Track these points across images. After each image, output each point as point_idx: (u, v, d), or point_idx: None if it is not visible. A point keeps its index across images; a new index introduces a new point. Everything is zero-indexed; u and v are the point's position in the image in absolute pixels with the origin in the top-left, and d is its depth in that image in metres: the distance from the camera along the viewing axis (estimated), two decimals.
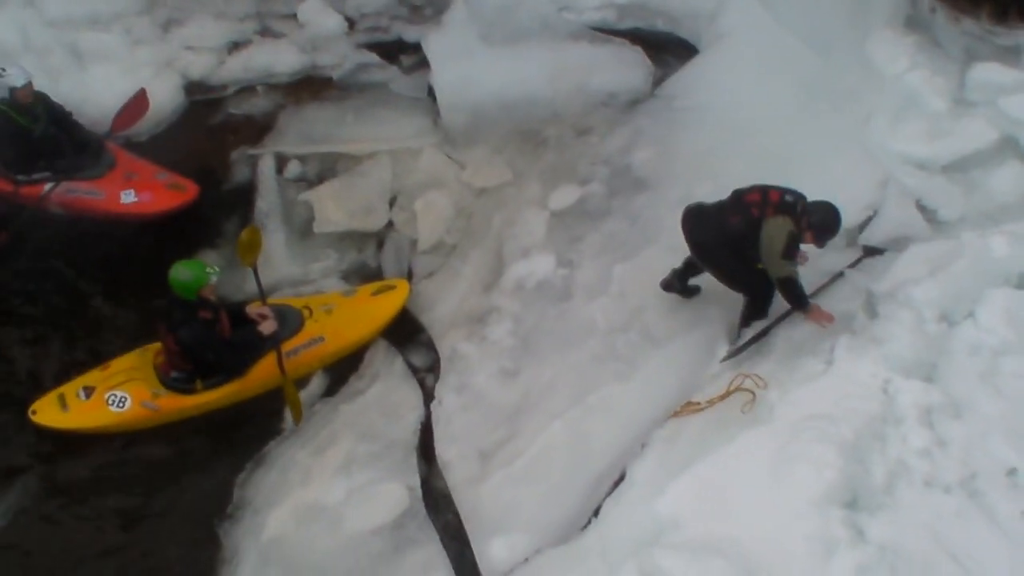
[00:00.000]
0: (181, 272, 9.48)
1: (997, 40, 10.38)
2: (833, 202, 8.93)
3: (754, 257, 9.07)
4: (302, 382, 10.56)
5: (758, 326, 9.61)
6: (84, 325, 11.35)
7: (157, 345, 10.27)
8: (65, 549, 9.49)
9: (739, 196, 9.25)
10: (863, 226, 10.33)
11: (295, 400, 10.15)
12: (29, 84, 11.58)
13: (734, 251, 9.27)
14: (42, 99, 11.90)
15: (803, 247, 9.14)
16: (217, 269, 9.81)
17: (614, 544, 7.75)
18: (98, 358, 10.56)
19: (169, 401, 10.13)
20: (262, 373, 10.32)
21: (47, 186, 11.88)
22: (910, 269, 8.90)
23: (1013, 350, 7.85)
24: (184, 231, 12.09)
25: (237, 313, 10.23)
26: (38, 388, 10.35)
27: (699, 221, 9.49)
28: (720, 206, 9.36)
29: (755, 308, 9.73)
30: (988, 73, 10.43)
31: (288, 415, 10.33)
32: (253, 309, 10.23)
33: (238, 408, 10.39)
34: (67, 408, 9.98)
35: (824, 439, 7.49)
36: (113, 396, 10.00)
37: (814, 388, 8.09)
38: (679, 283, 10.13)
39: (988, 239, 8.79)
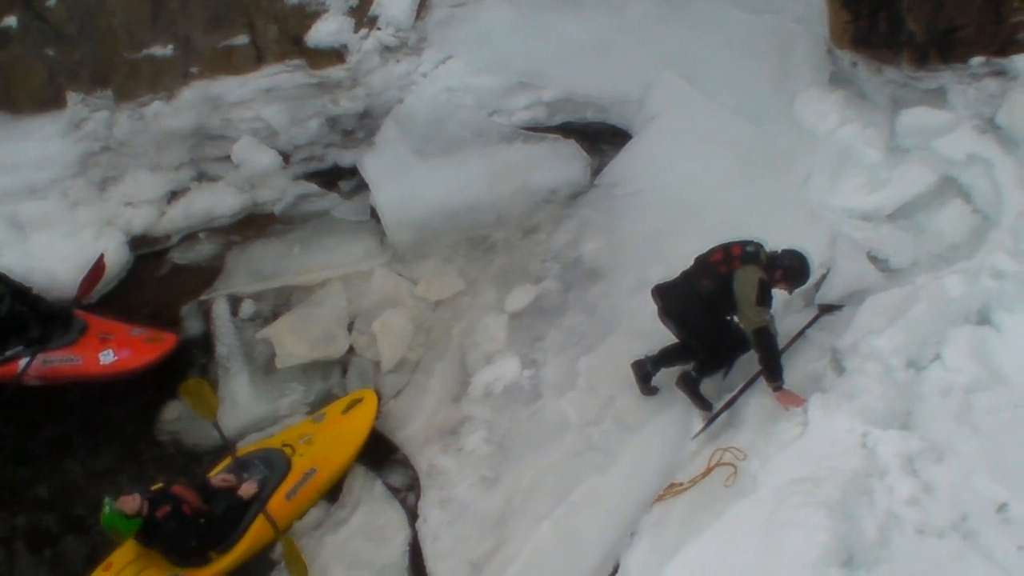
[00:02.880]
0: (110, 527, 9.39)
1: (921, 84, 10.51)
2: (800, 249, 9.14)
3: (728, 313, 9.22)
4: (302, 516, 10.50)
5: (724, 395, 9.65)
6: (61, 519, 11.11)
7: None
8: None
9: (704, 260, 9.45)
10: (818, 285, 10.36)
11: (295, 557, 9.91)
12: None
13: (710, 313, 9.39)
14: (2, 277, 11.89)
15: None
16: (108, 499, 9.42)
17: None
18: (91, 555, 10.30)
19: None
20: (271, 525, 10.10)
21: (22, 362, 11.77)
22: (870, 320, 8.95)
23: (983, 386, 7.86)
24: (146, 387, 12.00)
25: (203, 487, 10.08)
26: None
27: (670, 294, 9.63)
28: (687, 275, 9.53)
29: (713, 362, 9.82)
30: (917, 118, 10.55)
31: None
32: (217, 480, 10.09)
33: None
34: None
35: (811, 502, 7.46)
36: None
37: (793, 452, 8.08)
38: (651, 368, 10.11)
39: (942, 280, 8.85)
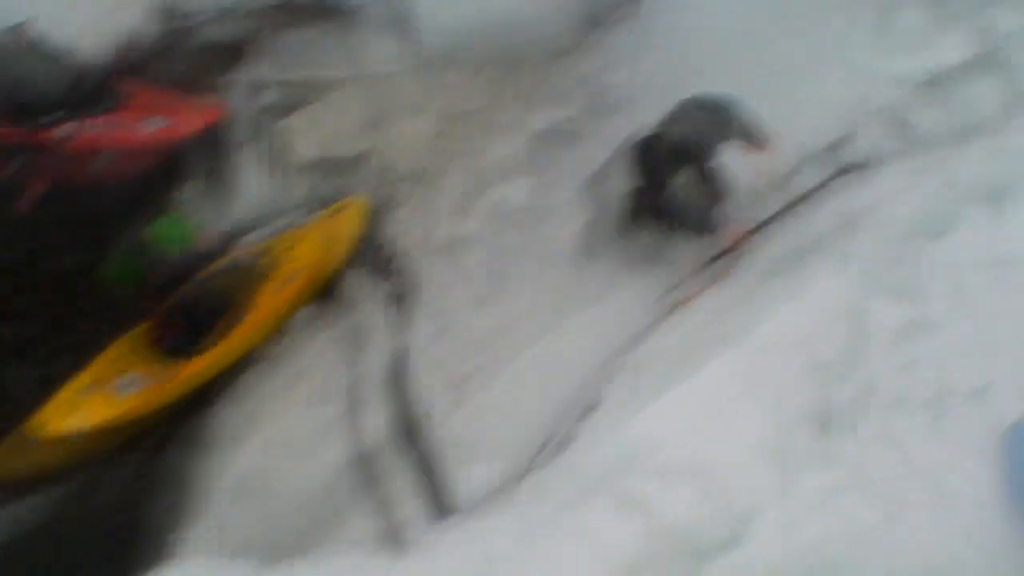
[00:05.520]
0: (168, 227, 9.28)
1: None
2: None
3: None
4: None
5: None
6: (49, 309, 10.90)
7: (138, 329, 9.97)
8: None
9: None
10: (841, 142, 10.22)
11: None
12: (26, 25, 11.22)
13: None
14: (38, 43, 11.44)
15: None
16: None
17: (587, 471, 7.68)
18: (77, 346, 10.12)
19: (179, 369, 9.77)
20: (259, 321, 10.16)
21: (65, 127, 11.27)
22: (885, 186, 8.85)
23: (987, 266, 7.76)
24: (157, 166, 11.70)
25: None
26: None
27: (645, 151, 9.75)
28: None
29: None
30: None
31: None
32: None
33: None
34: (78, 409, 9.42)
35: (795, 360, 7.43)
36: (121, 382, 9.60)
37: (786, 308, 8.02)
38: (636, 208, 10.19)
39: (964, 154, 8.70)
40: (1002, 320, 7.41)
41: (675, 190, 9.08)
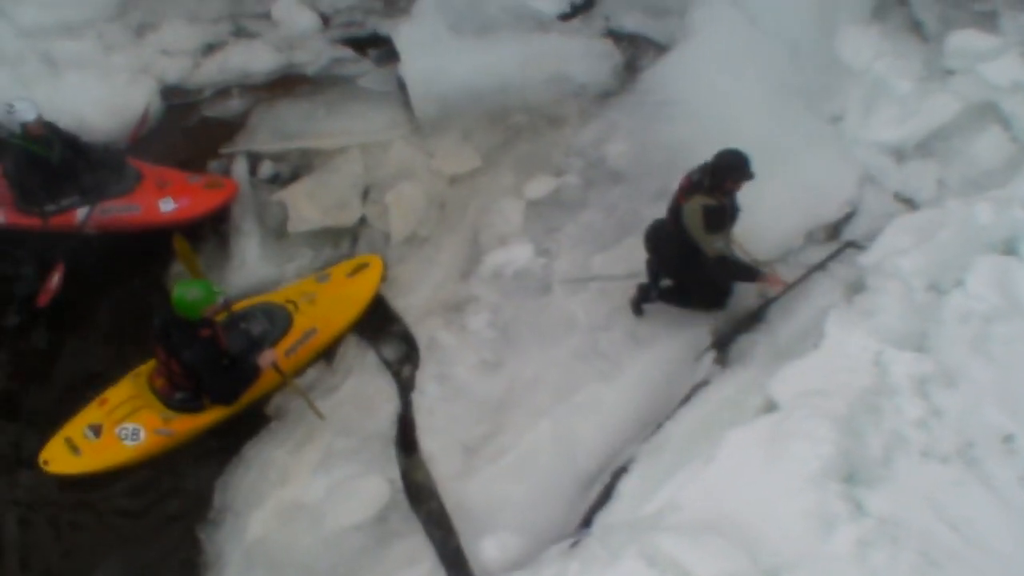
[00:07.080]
0: (189, 291, 9.15)
1: (974, 6, 10.49)
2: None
3: (696, 253, 9.24)
4: (299, 375, 10.44)
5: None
6: (61, 352, 11.15)
7: (147, 367, 10.07)
8: (42, 561, 9.42)
9: (675, 192, 9.51)
10: (842, 221, 10.49)
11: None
12: (39, 116, 11.21)
13: (683, 255, 9.42)
14: (52, 127, 11.53)
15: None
16: (222, 289, 9.72)
17: (614, 531, 7.64)
18: (87, 387, 10.25)
19: (182, 423, 9.87)
20: (264, 376, 10.07)
21: (81, 211, 11.56)
22: (896, 240, 8.86)
23: (1003, 316, 7.78)
24: (158, 238, 11.52)
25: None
26: (33, 428, 10.12)
27: (656, 236, 9.79)
28: (668, 210, 9.59)
29: (679, 297, 10.06)
30: (966, 40, 10.59)
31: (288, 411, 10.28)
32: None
33: None
34: (79, 452, 9.58)
35: (818, 415, 7.39)
36: (124, 430, 9.68)
37: (805, 364, 8.01)
38: (653, 295, 10.20)
39: (973, 206, 8.74)
40: (1021, 369, 7.42)
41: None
